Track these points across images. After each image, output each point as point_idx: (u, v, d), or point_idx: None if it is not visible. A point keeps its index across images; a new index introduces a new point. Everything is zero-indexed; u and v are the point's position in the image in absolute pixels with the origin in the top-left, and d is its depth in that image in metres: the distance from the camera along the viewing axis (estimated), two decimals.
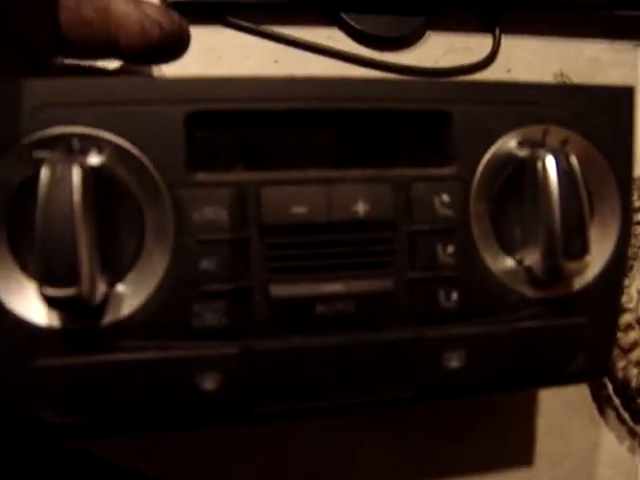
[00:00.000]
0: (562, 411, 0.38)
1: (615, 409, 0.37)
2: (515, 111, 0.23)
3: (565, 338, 0.24)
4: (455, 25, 0.41)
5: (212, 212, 0.21)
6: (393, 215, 0.22)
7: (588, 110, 0.24)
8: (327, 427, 0.32)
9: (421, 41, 0.41)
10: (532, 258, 0.23)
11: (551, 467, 0.38)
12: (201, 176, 0.22)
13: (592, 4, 0.41)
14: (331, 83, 0.23)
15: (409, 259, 0.23)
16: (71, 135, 0.21)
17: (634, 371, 0.35)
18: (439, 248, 0.23)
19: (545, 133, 0.24)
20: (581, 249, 0.22)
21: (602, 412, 0.38)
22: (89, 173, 0.20)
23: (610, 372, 0.35)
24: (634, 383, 0.34)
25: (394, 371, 0.23)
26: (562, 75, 0.41)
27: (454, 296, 0.23)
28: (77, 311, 0.21)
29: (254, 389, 0.22)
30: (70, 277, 0.20)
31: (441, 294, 0.23)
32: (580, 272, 0.23)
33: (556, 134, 0.24)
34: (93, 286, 0.20)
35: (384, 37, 0.39)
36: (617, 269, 0.25)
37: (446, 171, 0.23)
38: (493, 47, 0.41)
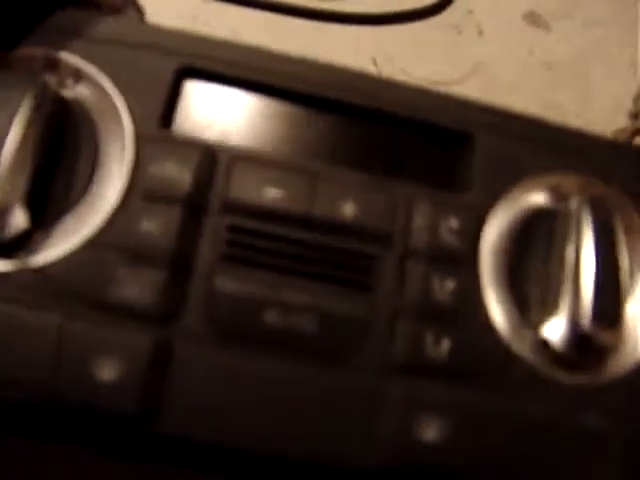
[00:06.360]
0: None
1: None
2: (550, 154, 0.20)
3: (583, 442, 0.18)
4: None
5: (173, 169, 0.18)
6: (386, 227, 0.18)
7: (628, 166, 0.21)
8: None
9: None
10: (553, 326, 0.18)
11: None
12: (173, 132, 0.19)
13: None
14: (345, 73, 0.20)
15: (396, 285, 0.18)
16: (58, 60, 0.19)
17: None
18: (435, 280, 0.18)
19: (581, 185, 0.20)
20: (613, 316, 0.17)
21: None
22: (59, 102, 0.18)
23: None
24: None
25: (349, 429, 0.17)
26: (533, 14, 0.35)
27: (445, 344, 0.18)
28: None
29: (157, 399, 0.17)
30: None
31: (429, 337, 0.18)
32: (612, 344, 0.18)
33: (593, 187, 0.20)
34: (6, 208, 0.17)
35: None
36: None
37: (460, 196, 0.19)
38: None
